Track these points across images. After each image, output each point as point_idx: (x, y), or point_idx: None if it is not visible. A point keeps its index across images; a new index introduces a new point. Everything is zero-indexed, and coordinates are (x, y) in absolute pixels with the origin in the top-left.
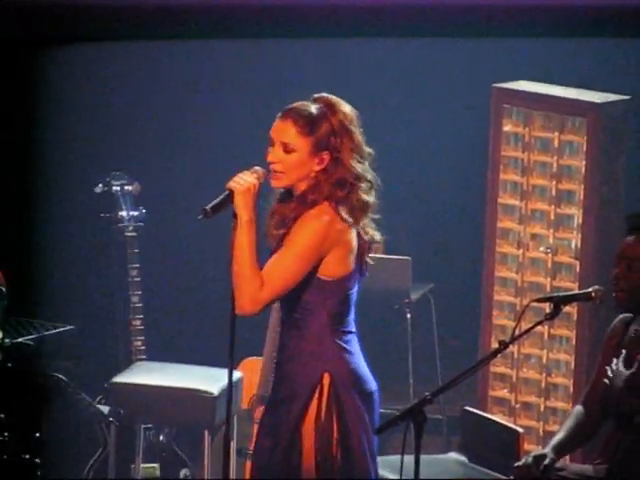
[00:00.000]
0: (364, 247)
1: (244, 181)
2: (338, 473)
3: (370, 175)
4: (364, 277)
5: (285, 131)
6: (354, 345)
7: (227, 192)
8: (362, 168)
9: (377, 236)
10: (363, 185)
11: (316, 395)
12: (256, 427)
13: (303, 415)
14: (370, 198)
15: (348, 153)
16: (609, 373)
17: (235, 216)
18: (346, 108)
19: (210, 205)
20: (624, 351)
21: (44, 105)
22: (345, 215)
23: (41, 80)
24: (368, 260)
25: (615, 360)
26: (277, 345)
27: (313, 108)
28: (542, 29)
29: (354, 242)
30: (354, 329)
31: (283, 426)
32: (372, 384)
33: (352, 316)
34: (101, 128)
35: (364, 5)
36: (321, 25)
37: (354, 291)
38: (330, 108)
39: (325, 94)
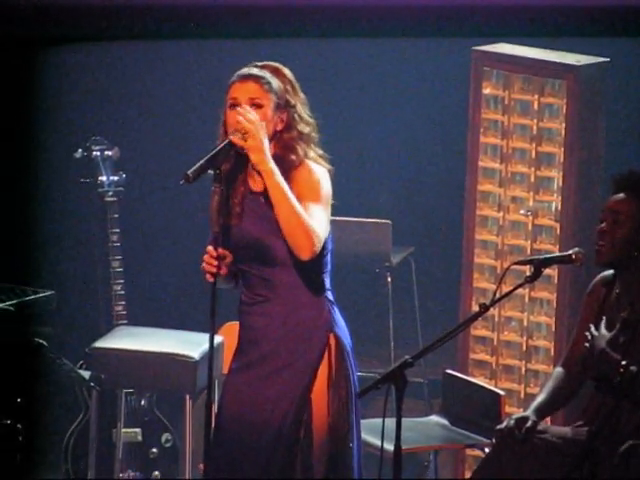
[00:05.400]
0: None
1: (256, 139)
2: (349, 432)
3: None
4: None
5: (250, 89)
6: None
7: (210, 155)
8: (314, 122)
9: None
10: (316, 139)
11: (325, 357)
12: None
13: (314, 377)
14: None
15: (302, 108)
16: (590, 335)
17: (218, 181)
18: (288, 70)
19: (191, 170)
20: (606, 313)
21: (37, 94)
22: (326, 165)
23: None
24: None
25: (596, 322)
26: (255, 310)
27: (264, 71)
28: (542, 29)
29: None
30: None
31: (290, 389)
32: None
33: None
34: (83, 95)
35: (357, 5)
36: (316, 25)
37: None
38: (276, 71)
39: (267, 62)
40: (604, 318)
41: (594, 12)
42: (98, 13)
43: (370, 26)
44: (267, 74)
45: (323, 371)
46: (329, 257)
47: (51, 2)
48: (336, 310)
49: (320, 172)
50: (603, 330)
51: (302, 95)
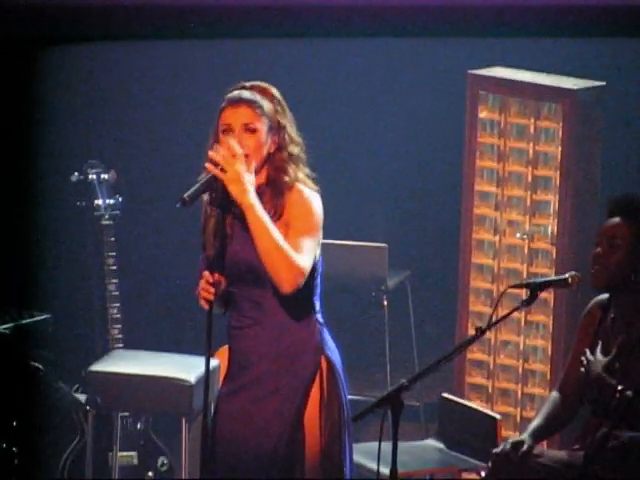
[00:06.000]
0: None
1: (231, 169)
2: (342, 454)
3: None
4: None
5: (243, 114)
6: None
7: (207, 178)
8: (302, 142)
9: None
10: (304, 159)
11: (317, 379)
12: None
13: (306, 400)
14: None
15: (292, 128)
16: (586, 360)
17: (214, 203)
18: (276, 90)
19: (188, 193)
20: (602, 337)
21: (36, 102)
22: (313, 185)
23: (34, 78)
24: None
25: (592, 346)
26: (244, 334)
27: (254, 93)
28: (538, 28)
29: None
30: None
31: (282, 413)
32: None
33: None
34: (78, 117)
35: (359, 5)
36: (319, 25)
37: None
38: (265, 92)
39: (254, 82)
40: (600, 342)
41: (594, 12)
42: (98, 13)
43: (369, 27)
44: (258, 97)
45: (315, 393)
46: (319, 279)
47: (51, 2)
48: (326, 332)
49: (311, 196)
50: (599, 354)
51: (290, 114)
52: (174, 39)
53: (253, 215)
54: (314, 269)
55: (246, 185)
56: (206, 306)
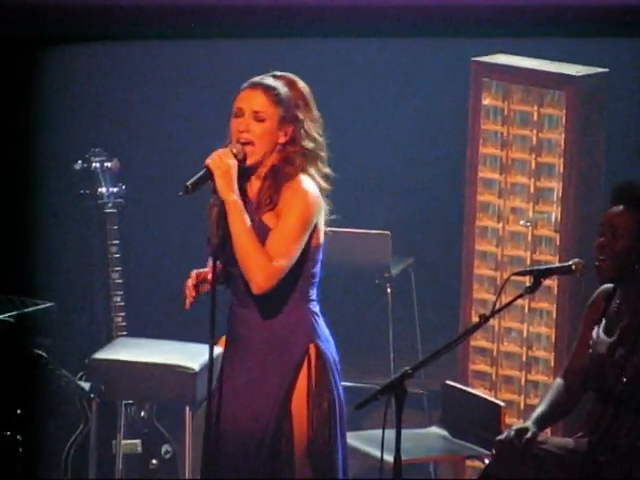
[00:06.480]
0: None
1: (223, 163)
2: (331, 444)
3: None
4: None
5: (256, 100)
6: (320, 312)
7: (205, 169)
8: (323, 141)
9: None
10: (324, 156)
11: (304, 366)
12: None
13: (293, 387)
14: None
15: (311, 124)
16: (590, 344)
17: (215, 192)
18: (304, 84)
19: (190, 181)
20: (605, 322)
21: (37, 101)
22: (322, 183)
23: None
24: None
25: (596, 331)
26: (239, 318)
27: (278, 82)
28: (540, 28)
29: None
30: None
31: (270, 400)
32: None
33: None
34: (82, 105)
35: (363, 5)
36: (319, 25)
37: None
38: (291, 84)
39: (285, 73)
40: (604, 324)
41: (594, 12)
42: (98, 13)
43: (369, 27)
44: (279, 85)
45: (302, 381)
46: (317, 268)
47: (51, 2)
48: (320, 322)
49: (308, 188)
50: (603, 336)
51: (316, 112)
52: (174, 39)
53: (233, 214)
54: (311, 258)
55: (233, 184)
56: (188, 306)
